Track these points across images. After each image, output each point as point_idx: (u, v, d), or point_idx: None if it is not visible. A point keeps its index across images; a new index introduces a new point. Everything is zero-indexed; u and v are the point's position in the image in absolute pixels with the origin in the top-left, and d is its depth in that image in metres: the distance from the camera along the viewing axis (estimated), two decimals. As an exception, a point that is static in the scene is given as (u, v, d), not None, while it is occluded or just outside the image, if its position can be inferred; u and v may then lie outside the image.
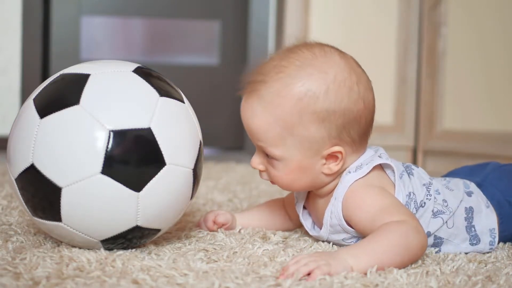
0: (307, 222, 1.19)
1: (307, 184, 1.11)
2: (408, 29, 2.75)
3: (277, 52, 1.10)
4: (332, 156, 1.08)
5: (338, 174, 1.11)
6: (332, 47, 1.10)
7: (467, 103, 2.59)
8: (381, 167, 1.12)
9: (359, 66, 1.10)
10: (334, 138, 1.06)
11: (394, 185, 1.10)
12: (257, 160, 1.12)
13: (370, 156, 1.11)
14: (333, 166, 1.09)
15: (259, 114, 1.07)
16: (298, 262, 0.92)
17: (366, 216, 1.05)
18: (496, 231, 1.16)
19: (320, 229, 1.15)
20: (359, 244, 1.00)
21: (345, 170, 1.10)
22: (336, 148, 1.07)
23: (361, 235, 1.09)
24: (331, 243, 1.15)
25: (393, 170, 1.11)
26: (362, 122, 1.08)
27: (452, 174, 1.30)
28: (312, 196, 1.17)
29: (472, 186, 1.20)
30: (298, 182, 1.10)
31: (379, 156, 1.11)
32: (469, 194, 1.17)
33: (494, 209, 1.18)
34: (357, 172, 1.08)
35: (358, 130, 1.08)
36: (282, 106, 1.05)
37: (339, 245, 1.13)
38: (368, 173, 1.08)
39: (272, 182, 1.13)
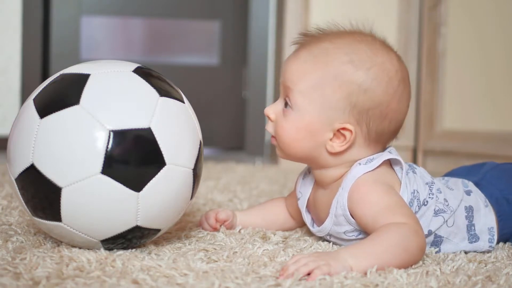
0: (308, 219, 1.19)
1: (306, 151, 1.11)
2: (408, 30, 2.75)
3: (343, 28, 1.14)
4: (341, 135, 1.08)
5: (339, 160, 1.10)
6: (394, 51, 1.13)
7: (467, 103, 2.59)
8: (389, 163, 1.12)
9: (409, 78, 1.12)
10: (353, 117, 1.07)
11: (400, 182, 1.10)
12: (272, 108, 1.12)
13: (381, 152, 1.12)
14: (337, 146, 1.09)
15: (302, 60, 1.10)
16: (298, 262, 0.92)
17: (369, 213, 1.05)
18: (495, 229, 1.17)
19: (319, 226, 1.15)
20: (359, 244, 1.00)
21: (347, 161, 1.10)
22: (348, 126, 1.07)
23: (362, 229, 1.09)
24: (331, 244, 1.15)
25: (401, 167, 1.11)
26: (385, 122, 1.09)
27: (450, 174, 1.31)
28: (314, 192, 1.18)
29: (471, 185, 1.20)
30: (298, 144, 1.10)
31: (389, 152, 1.12)
32: (468, 193, 1.18)
33: (492, 207, 1.18)
34: (367, 165, 1.09)
35: (378, 126, 1.09)
36: (324, 63, 1.08)
37: (340, 239, 1.14)
38: (377, 167, 1.09)
39: (274, 140, 1.13)
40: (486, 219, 1.17)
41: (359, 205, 1.07)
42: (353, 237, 1.11)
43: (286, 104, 1.11)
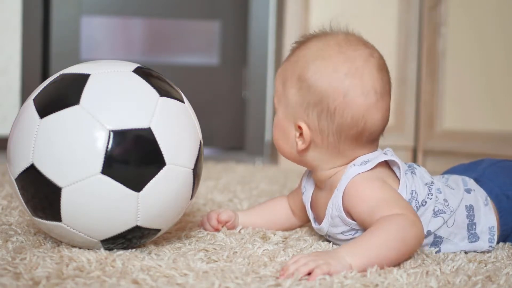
0: (311, 215, 1.20)
1: (286, 149, 1.14)
2: (408, 30, 2.75)
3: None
4: (302, 133, 1.11)
5: (309, 159, 1.12)
6: (368, 45, 1.12)
7: (467, 103, 2.59)
8: (387, 164, 1.12)
9: (380, 70, 1.09)
10: (304, 113, 1.10)
11: (399, 181, 1.10)
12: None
13: (377, 153, 1.12)
14: (300, 144, 1.11)
15: (281, 68, 1.16)
16: (298, 262, 0.93)
17: (365, 209, 1.06)
18: (495, 229, 1.16)
19: (320, 224, 1.15)
20: (357, 240, 1.01)
21: (317, 161, 1.12)
22: (301, 123, 1.10)
23: (361, 228, 1.09)
24: (331, 243, 1.15)
25: (398, 167, 1.11)
26: (336, 116, 1.07)
27: (448, 172, 1.30)
28: (316, 191, 1.18)
29: (471, 183, 1.20)
30: (280, 144, 1.15)
31: (384, 153, 1.12)
32: (468, 191, 1.18)
33: (493, 203, 1.18)
34: (362, 166, 1.09)
35: (329, 122, 1.08)
36: (286, 63, 1.15)
37: (338, 239, 1.14)
38: (372, 169, 1.09)
39: None
40: (487, 218, 1.16)
41: (355, 203, 1.07)
42: (350, 236, 1.12)
43: None
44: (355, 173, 1.09)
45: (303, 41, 1.14)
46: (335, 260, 0.94)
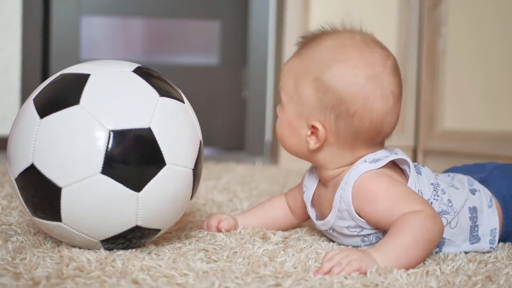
0: (312, 213, 1.20)
1: (293, 146, 1.14)
2: (408, 29, 2.75)
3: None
4: (315, 133, 1.10)
5: (320, 158, 1.12)
6: (383, 47, 1.11)
7: (467, 103, 2.59)
8: (394, 163, 1.12)
9: (396, 74, 1.10)
10: (320, 114, 1.09)
11: (407, 180, 1.11)
12: (279, 105, 1.17)
13: (386, 153, 1.12)
14: (312, 143, 1.10)
15: (290, 61, 1.15)
16: (331, 260, 0.95)
17: (380, 208, 1.06)
18: (497, 231, 1.16)
19: (323, 220, 1.16)
20: (384, 243, 1.01)
21: (328, 160, 1.12)
22: (316, 123, 1.09)
23: (370, 227, 1.10)
24: (331, 244, 1.15)
25: (408, 165, 1.12)
26: (354, 120, 1.07)
27: (450, 171, 1.30)
28: (319, 189, 1.18)
29: (476, 184, 1.20)
30: (287, 139, 1.14)
31: (395, 153, 1.12)
32: (473, 192, 1.18)
33: (499, 203, 1.18)
34: (372, 164, 1.09)
35: (347, 125, 1.08)
36: (299, 61, 1.12)
37: (342, 234, 1.14)
38: (382, 167, 1.09)
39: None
40: (489, 221, 1.16)
41: (368, 203, 1.07)
42: (355, 233, 1.12)
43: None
44: (366, 169, 1.09)
45: (313, 38, 1.13)
46: (368, 258, 0.96)
